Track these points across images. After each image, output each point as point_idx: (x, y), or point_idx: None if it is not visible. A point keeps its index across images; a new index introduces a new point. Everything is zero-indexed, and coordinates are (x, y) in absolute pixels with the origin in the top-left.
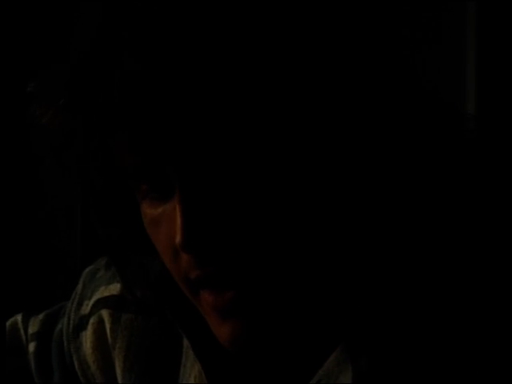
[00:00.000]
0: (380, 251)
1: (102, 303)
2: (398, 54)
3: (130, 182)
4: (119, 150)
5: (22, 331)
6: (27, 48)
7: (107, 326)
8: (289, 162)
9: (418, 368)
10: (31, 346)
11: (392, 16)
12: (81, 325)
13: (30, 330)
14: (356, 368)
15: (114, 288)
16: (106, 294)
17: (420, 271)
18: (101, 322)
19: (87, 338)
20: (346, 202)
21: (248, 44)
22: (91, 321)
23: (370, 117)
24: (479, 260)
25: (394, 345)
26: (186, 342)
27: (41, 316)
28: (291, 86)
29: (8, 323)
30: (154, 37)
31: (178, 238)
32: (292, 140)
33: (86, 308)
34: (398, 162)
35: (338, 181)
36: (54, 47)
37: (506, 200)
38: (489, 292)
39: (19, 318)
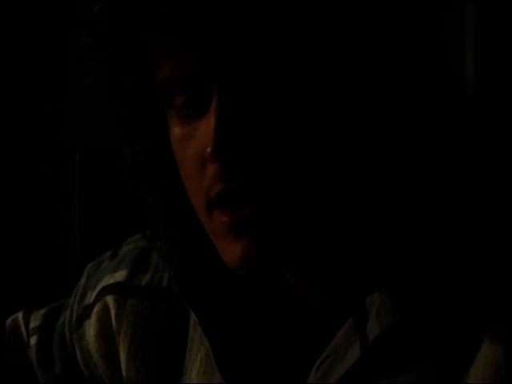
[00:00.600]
0: (393, 197)
1: (107, 290)
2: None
3: (164, 95)
4: (162, 58)
5: (22, 327)
6: None
7: (112, 311)
8: (315, 94)
9: (426, 338)
10: (33, 340)
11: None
12: (84, 314)
13: (32, 325)
14: (364, 341)
15: (120, 275)
16: (112, 281)
17: (430, 225)
18: (105, 308)
19: (91, 326)
20: (367, 142)
21: None
22: (95, 309)
23: (407, 87)
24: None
25: (401, 317)
26: (192, 325)
27: (43, 311)
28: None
29: (8, 320)
30: None
31: (209, 147)
32: (332, 73)
33: (91, 297)
34: (404, 119)
35: (365, 123)
36: None
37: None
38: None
39: (20, 314)
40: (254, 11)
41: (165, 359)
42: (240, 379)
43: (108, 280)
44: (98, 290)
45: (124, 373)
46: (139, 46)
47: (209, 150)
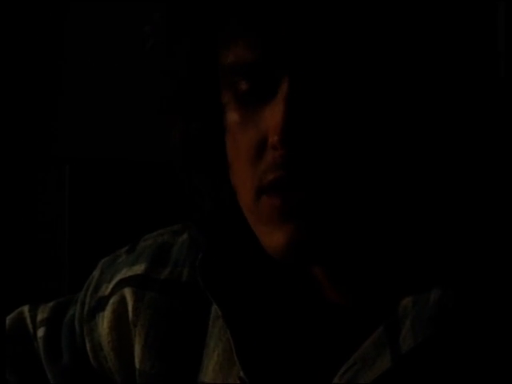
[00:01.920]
0: (433, 201)
1: (124, 282)
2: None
3: (228, 79)
4: (234, 41)
5: (28, 319)
6: None
7: (129, 303)
8: (379, 96)
9: (461, 353)
10: (40, 331)
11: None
12: (98, 306)
13: (39, 317)
14: (395, 352)
15: (139, 268)
16: (130, 273)
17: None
18: (122, 300)
19: (105, 318)
20: (418, 143)
21: None
22: (111, 301)
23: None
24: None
25: (436, 329)
26: (211, 321)
27: (51, 304)
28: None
29: (13, 314)
30: None
31: (276, 134)
32: (397, 74)
33: (106, 290)
34: (455, 128)
35: (421, 125)
36: None
37: None
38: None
39: (26, 308)
40: (323, 7)
41: (181, 354)
42: (260, 374)
43: (126, 273)
44: (114, 282)
45: (137, 365)
46: (212, 28)
47: (275, 137)
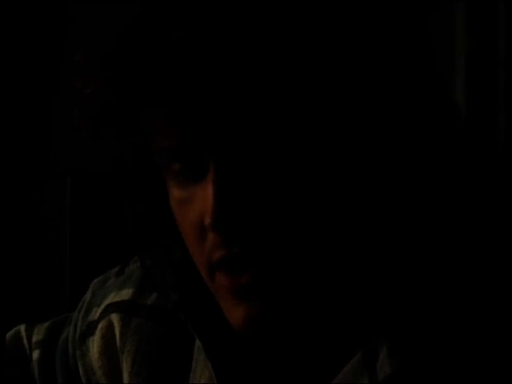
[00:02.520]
0: (389, 247)
1: (112, 308)
2: (422, 59)
3: (162, 161)
4: (157, 128)
5: (25, 340)
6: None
7: (117, 329)
8: (313, 154)
9: (434, 376)
10: (35, 354)
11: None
12: (88, 330)
13: (35, 338)
14: (373, 378)
15: (126, 293)
16: (117, 299)
17: (428, 270)
18: (110, 326)
19: (95, 342)
20: (360, 195)
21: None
22: (100, 326)
23: (384, 119)
24: (483, 258)
25: (412, 354)
26: (196, 348)
27: (46, 324)
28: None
29: (10, 333)
30: (199, 12)
31: (208, 218)
32: (318, 132)
33: (95, 314)
34: (408, 163)
35: (355, 176)
36: (97, 20)
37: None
38: (491, 292)
39: (22, 327)
40: (240, 84)
41: (168, 380)
42: None
43: (113, 298)
44: (103, 306)
45: None
46: (135, 118)
47: (208, 220)
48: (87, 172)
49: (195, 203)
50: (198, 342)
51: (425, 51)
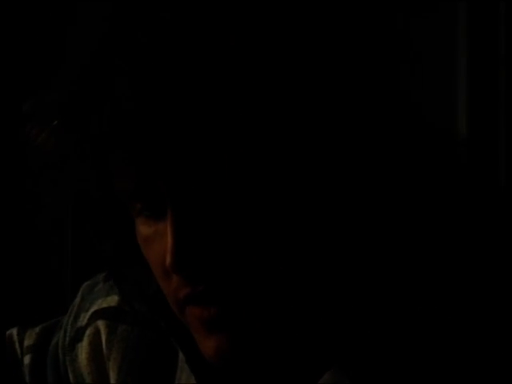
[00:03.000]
0: (370, 265)
1: (98, 314)
2: (393, 72)
3: (123, 200)
4: (115, 169)
5: (17, 344)
6: (23, 63)
7: (103, 336)
8: (275, 189)
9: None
10: (26, 359)
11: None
12: (77, 337)
13: (26, 343)
14: None
15: (112, 300)
16: (104, 305)
17: (414, 283)
18: (97, 333)
19: (83, 349)
20: (333, 228)
21: (243, 55)
22: (87, 332)
23: (363, 129)
24: (473, 267)
25: (392, 363)
26: (181, 356)
27: (37, 329)
28: (285, 100)
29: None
30: (146, 60)
31: (168, 260)
32: (279, 163)
33: (83, 320)
34: (390, 174)
35: (324, 209)
36: (48, 67)
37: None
38: (484, 299)
39: (15, 331)
40: (189, 126)
41: None
42: None
43: (101, 304)
44: (90, 313)
45: None
46: (90, 162)
47: (168, 262)
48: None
49: (158, 242)
50: (181, 354)
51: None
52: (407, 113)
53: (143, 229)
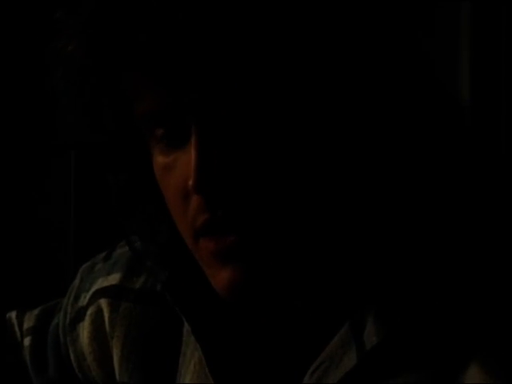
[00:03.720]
0: (381, 217)
1: (100, 293)
2: (406, 46)
3: (144, 127)
4: (138, 92)
5: (16, 327)
6: None
7: (106, 314)
8: (297, 126)
9: (423, 346)
10: (26, 341)
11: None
12: (78, 317)
13: (26, 325)
14: (360, 349)
15: (114, 278)
16: (105, 284)
17: (428, 245)
18: (99, 311)
19: (84, 328)
20: (347, 167)
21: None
22: (89, 311)
23: (374, 108)
24: (478, 246)
25: (398, 324)
26: (185, 330)
27: (36, 311)
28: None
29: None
30: None
31: (191, 180)
32: (301, 108)
33: (84, 300)
34: (399, 149)
35: (340, 151)
36: None
37: (503, 195)
38: (489, 276)
39: (13, 314)
40: (226, 50)
41: (158, 363)
42: None
43: (102, 283)
44: (91, 292)
45: (117, 376)
46: (115, 81)
47: (191, 183)
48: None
49: (178, 168)
50: (186, 325)
51: (416, 49)
52: (440, 101)
53: (162, 157)
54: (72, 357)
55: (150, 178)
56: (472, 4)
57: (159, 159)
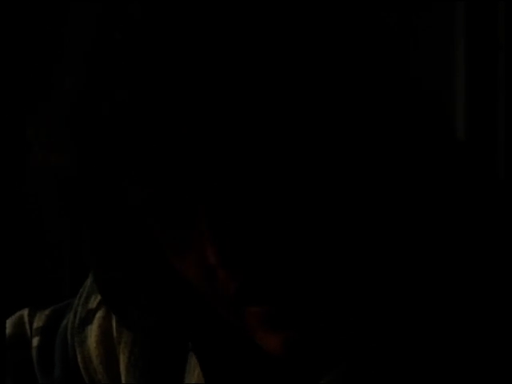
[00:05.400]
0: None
1: None
2: (395, 55)
3: (145, 219)
4: (129, 187)
5: (27, 325)
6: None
7: (114, 320)
8: (298, 167)
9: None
10: (35, 341)
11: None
12: (87, 318)
13: (35, 325)
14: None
15: None
16: None
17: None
18: (107, 315)
19: (92, 331)
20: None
21: (245, 51)
22: (98, 315)
23: (368, 116)
24: (478, 260)
25: (398, 367)
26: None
27: (47, 311)
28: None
29: (14, 317)
30: (149, 66)
31: (212, 259)
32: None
33: (94, 302)
34: (394, 159)
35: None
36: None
37: (498, 198)
38: (488, 296)
39: (25, 312)
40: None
41: (164, 371)
42: None
43: None
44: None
45: (124, 382)
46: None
47: (213, 261)
48: None
49: (192, 248)
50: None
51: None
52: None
53: (173, 243)
54: (79, 359)
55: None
56: (466, 3)
57: (169, 245)
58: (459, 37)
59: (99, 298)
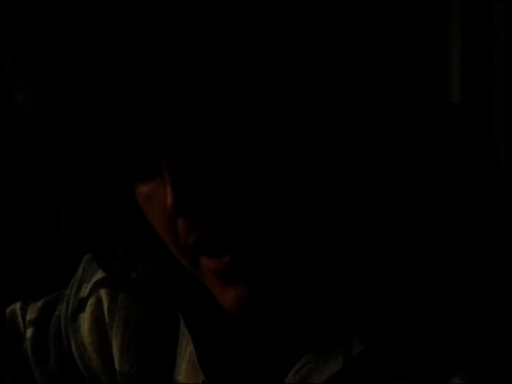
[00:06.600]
0: (378, 235)
1: (100, 283)
2: (396, 49)
3: (116, 166)
4: (101, 136)
5: (19, 318)
6: None
7: (105, 305)
8: (283, 150)
9: (411, 355)
10: (28, 332)
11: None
12: (79, 307)
13: (28, 317)
14: (347, 354)
15: None
16: (104, 274)
17: (418, 262)
18: (99, 302)
19: (85, 319)
20: (341, 176)
21: (244, 38)
22: (89, 302)
23: (368, 113)
24: (478, 254)
25: (387, 332)
26: (182, 321)
27: (39, 303)
28: (287, 76)
29: (7, 311)
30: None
31: (169, 203)
32: (287, 129)
33: (85, 290)
34: (395, 157)
35: (333, 166)
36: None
37: (500, 195)
38: (488, 287)
39: (18, 305)
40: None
41: (157, 353)
42: (221, 378)
43: (102, 273)
44: (92, 283)
45: (117, 366)
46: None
47: (169, 206)
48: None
49: (158, 195)
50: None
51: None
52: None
53: (142, 187)
54: (73, 348)
55: (133, 210)
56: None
57: (139, 190)
58: (455, 36)
59: (90, 286)
